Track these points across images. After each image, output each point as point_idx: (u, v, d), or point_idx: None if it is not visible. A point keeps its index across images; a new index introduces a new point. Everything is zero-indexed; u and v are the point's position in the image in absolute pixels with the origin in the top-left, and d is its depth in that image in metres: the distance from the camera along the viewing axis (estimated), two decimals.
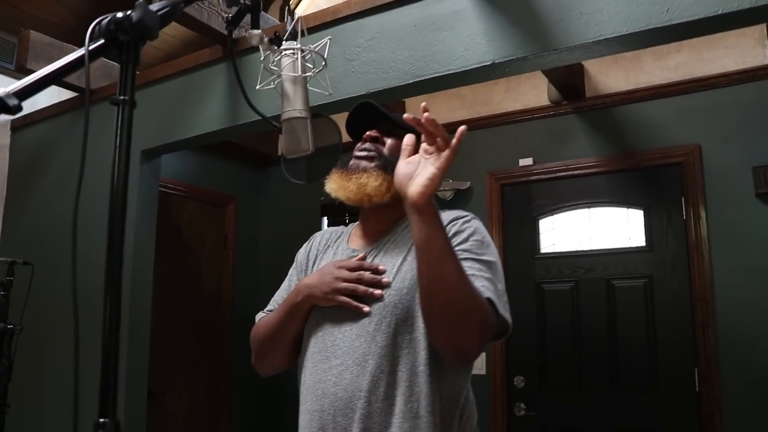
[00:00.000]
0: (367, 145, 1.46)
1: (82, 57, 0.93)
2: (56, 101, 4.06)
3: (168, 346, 3.87)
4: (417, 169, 1.21)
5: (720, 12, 1.84)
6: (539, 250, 3.60)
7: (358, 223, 1.60)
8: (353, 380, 1.30)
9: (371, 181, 1.40)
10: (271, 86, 1.26)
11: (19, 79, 3.26)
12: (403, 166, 1.23)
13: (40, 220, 3.65)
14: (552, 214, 3.61)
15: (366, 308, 1.33)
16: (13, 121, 4.05)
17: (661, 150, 3.30)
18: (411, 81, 2.35)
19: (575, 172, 3.52)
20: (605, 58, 3.48)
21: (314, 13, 2.64)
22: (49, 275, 3.24)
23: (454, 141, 1.16)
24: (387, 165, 1.42)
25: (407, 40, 2.38)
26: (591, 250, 3.46)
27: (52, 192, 3.62)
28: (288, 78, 1.21)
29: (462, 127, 1.15)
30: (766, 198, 3.00)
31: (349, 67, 2.48)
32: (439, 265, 1.19)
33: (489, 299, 1.27)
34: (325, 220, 4.37)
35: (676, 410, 3.09)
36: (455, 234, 1.38)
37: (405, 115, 1.23)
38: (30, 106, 4.09)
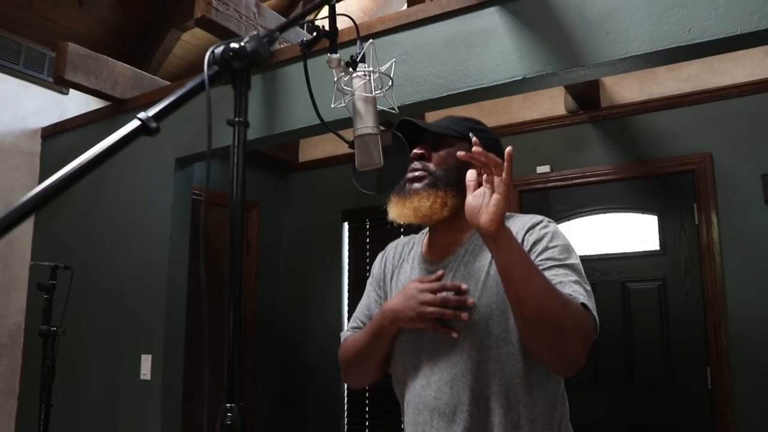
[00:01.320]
0: (415, 164, 1.49)
1: (202, 82, 1.06)
2: (83, 109, 4.22)
3: (196, 348, 3.99)
4: (483, 200, 1.24)
5: (739, 32, 1.98)
6: None
7: (427, 231, 1.62)
8: (453, 395, 1.35)
9: (423, 203, 1.44)
10: (343, 104, 1.39)
11: (48, 88, 3.39)
12: (471, 200, 1.26)
13: (73, 225, 3.78)
14: (569, 220, 3.74)
15: (455, 334, 1.36)
16: (44, 128, 4.18)
17: (674, 158, 3.43)
18: (445, 94, 2.49)
19: (591, 179, 3.65)
20: None
21: (349, 27, 2.78)
22: (83, 279, 3.37)
23: (505, 164, 1.20)
24: (437, 181, 1.46)
25: (440, 55, 2.52)
26: (607, 254, 3.59)
27: (85, 199, 3.74)
28: (360, 97, 1.34)
29: (509, 148, 1.21)
30: None
31: (384, 81, 2.61)
32: (525, 285, 1.21)
33: (583, 304, 1.28)
34: (346, 225, 4.49)
35: (690, 407, 3.23)
36: (535, 243, 1.39)
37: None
38: (59, 114, 4.24)
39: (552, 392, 1.40)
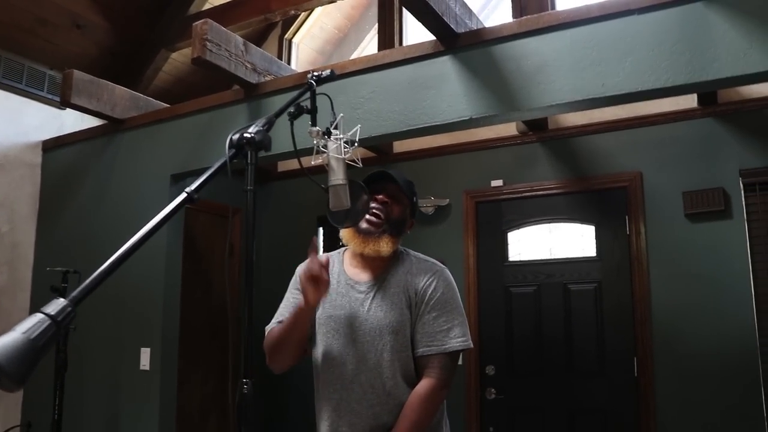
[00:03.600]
0: (377, 208, 1.94)
1: (225, 162, 1.48)
2: (80, 123, 4.58)
3: (186, 342, 4.40)
4: None
5: (640, 89, 2.45)
6: (508, 258, 4.11)
7: (348, 251, 2.05)
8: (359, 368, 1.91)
9: (384, 247, 1.92)
10: (320, 161, 1.84)
11: (47, 103, 3.76)
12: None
13: (75, 232, 4.15)
14: (519, 228, 4.12)
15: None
16: (44, 142, 4.54)
17: (610, 175, 3.83)
18: (404, 129, 2.92)
19: (539, 193, 4.04)
20: None
21: (325, 66, 3.21)
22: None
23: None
24: (390, 229, 1.95)
25: (402, 95, 2.94)
26: (551, 259, 3.99)
27: (86, 208, 4.11)
28: (333, 157, 1.79)
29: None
30: (692, 218, 3.56)
31: (354, 115, 3.03)
32: None
33: (460, 350, 1.90)
34: (321, 230, 4.90)
35: (619, 393, 3.67)
36: (431, 290, 1.93)
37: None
38: (58, 128, 4.60)
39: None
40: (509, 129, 4.19)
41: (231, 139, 1.51)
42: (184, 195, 1.35)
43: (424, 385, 1.85)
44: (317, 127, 1.80)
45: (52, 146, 4.53)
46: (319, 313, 1.98)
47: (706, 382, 3.41)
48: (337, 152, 1.79)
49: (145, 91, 4.73)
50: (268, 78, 3.46)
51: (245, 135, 1.50)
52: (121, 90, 4.06)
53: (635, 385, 3.62)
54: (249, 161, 1.50)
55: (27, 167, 4.46)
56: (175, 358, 3.68)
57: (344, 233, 2.00)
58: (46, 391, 3.52)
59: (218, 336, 4.76)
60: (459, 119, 2.79)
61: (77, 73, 3.79)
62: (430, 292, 1.92)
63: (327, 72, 1.88)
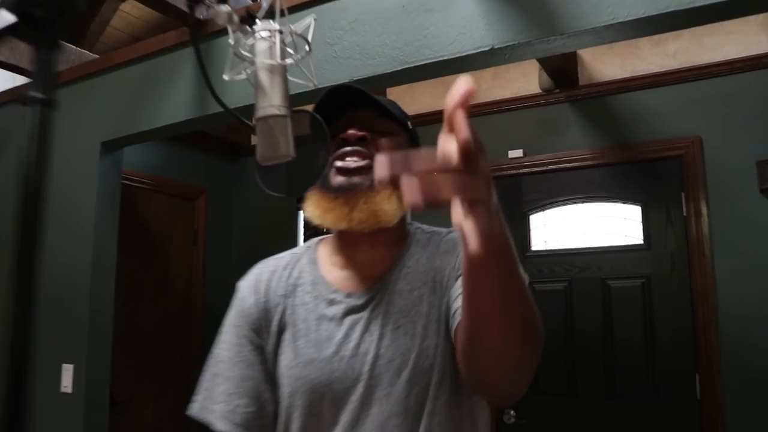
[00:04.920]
0: (352, 148, 1.12)
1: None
2: (10, 84, 3.84)
3: (134, 349, 3.65)
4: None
5: None
6: (530, 247, 3.52)
7: (323, 245, 1.24)
8: None
9: (385, 206, 1.08)
10: (243, 76, 1.02)
11: None
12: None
13: None
14: (543, 210, 3.53)
15: None
16: None
17: (660, 142, 3.20)
18: (399, 68, 2.16)
19: (568, 165, 3.43)
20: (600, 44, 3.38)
21: None
22: None
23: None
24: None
25: (395, 23, 2.18)
26: (585, 248, 3.38)
27: (4, 186, 3.36)
28: (264, 66, 0.98)
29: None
30: None
31: (329, 52, 2.28)
32: (514, 283, 0.80)
33: None
34: (302, 213, 4.16)
35: (676, 419, 2.98)
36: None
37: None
38: None
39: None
40: (530, 86, 3.56)
41: None
42: None
43: None
44: (227, 7, 0.97)
45: None
46: (285, 370, 1.12)
47: None
48: (269, 57, 0.98)
49: (91, 50, 3.98)
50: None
51: None
52: None
53: (698, 410, 2.94)
54: (42, 39, 0.69)
55: None
56: (107, 376, 2.93)
57: (309, 204, 1.15)
58: None
59: (178, 340, 4.01)
60: (476, 50, 2.02)
61: None
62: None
63: None
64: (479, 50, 2.00)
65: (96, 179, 2.96)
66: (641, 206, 3.27)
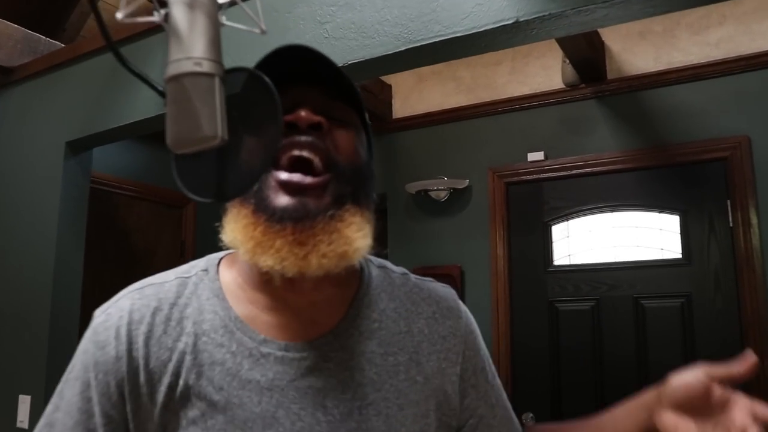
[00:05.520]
0: (303, 138, 0.76)
1: None
2: None
3: None
4: None
5: None
6: (552, 262, 3.38)
7: (227, 263, 0.90)
8: None
9: (358, 242, 0.76)
10: (151, 17, 0.67)
11: None
12: None
13: None
14: (567, 219, 3.39)
15: None
16: None
17: (702, 142, 3.04)
18: (403, 48, 1.86)
19: (595, 169, 3.30)
20: (631, 33, 3.11)
21: None
22: None
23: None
24: (347, 188, 0.78)
25: None
26: (615, 263, 3.24)
27: None
28: (179, 1, 0.63)
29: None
30: None
31: (320, 32, 1.99)
32: None
33: None
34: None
35: None
36: (473, 351, 0.91)
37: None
38: None
39: None
40: (552, 81, 3.38)
41: None
42: None
43: None
44: None
45: None
46: None
47: None
48: None
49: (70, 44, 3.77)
50: None
51: None
52: (8, 27, 3.05)
53: None
54: None
55: None
56: None
57: (232, 226, 0.81)
58: None
59: None
60: (496, 25, 1.71)
61: None
62: (473, 356, 0.91)
63: None
64: (500, 24, 1.69)
65: (60, 184, 2.70)
66: (680, 216, 3.14)
